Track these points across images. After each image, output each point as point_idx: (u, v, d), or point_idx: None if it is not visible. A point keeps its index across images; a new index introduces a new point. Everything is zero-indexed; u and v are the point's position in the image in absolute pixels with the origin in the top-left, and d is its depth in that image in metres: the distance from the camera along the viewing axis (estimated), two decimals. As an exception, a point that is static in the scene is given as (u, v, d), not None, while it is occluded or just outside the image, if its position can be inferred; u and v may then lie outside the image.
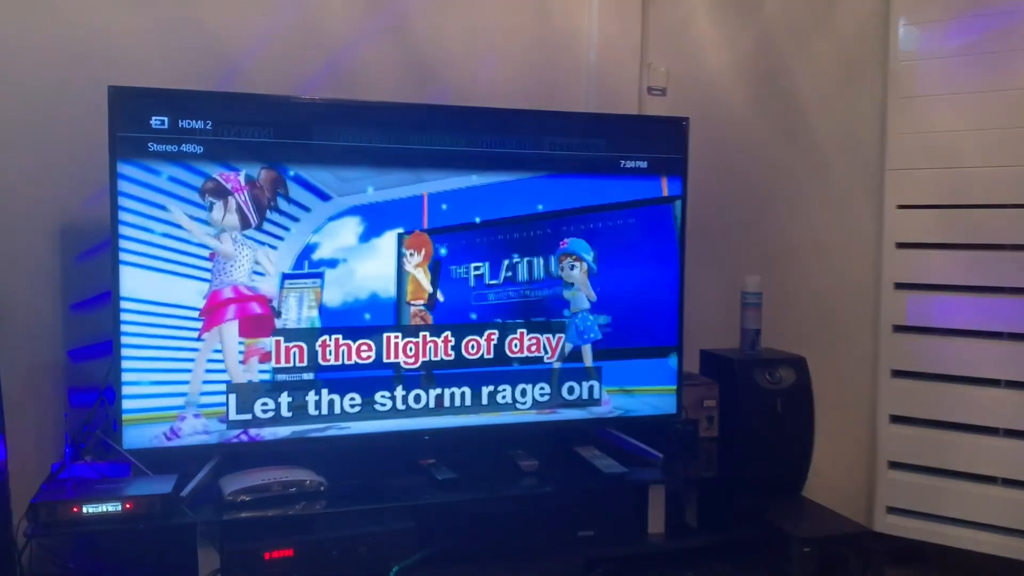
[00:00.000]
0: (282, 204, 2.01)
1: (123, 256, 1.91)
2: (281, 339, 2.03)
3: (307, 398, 2.06)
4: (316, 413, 2.07)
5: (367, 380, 2.11)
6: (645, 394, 2.33)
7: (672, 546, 2.19)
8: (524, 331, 2.23)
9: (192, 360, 1.97)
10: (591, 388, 2.29)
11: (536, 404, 2.25)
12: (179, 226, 1.95)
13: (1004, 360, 2.57)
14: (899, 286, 2.74)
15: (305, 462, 2.05)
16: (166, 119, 1.93)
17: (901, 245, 2.74)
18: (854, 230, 2.89)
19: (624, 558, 2.12)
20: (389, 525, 1.96)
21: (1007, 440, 2.58)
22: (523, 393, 2.24)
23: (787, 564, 2.14)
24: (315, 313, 2.06)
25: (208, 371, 1.99)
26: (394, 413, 2.13)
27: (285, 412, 2.04)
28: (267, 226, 2.01)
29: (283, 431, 2.05)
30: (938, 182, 2.66)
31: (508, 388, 2.22)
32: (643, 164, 2.29)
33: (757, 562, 2.19)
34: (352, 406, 2.10)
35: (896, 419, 2.76)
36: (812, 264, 2.91)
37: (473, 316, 2.19)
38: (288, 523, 1.90)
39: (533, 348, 2.24)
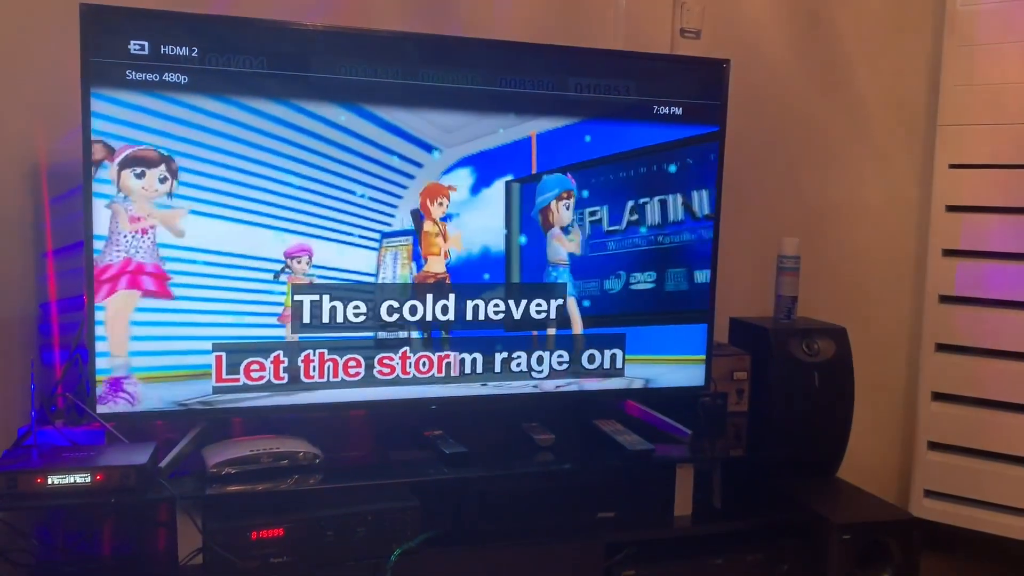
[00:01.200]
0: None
1: (97, 189, 1.69)
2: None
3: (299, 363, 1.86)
4: (313, 379, 1.87)
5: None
6: (670, 364, 2.13)
7: (700, 530, 2.01)
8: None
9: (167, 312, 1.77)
10: (613, 357, 2.09)
11: (553, 372, 2.05)
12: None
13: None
14: (947, 253, 2.53)
15: (299, 432, 1.86)
16: (146, 44, 1.71)
17: (952, 208, 2.52)
18: (899, 191, 2.68)
19: (648, 542, 1.95)
20: (391, 503, 1.77)
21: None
22: (539, 360, 2.04)
23: (824, 552, 1.97)
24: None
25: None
26: (397, 380, 1.94)
27: (279, 376, 1.84)
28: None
29: (275, 397, 1.85)
30: (996, 140, 2.44)
31: (523, 355, 2.02)
32: (678, 111, 2.07)
33: (791, 549, 2.02)
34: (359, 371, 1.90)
35: (938, 396, 2.56)
36: (852, 227, 2.70)
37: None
38: (278, 499, 1.72)
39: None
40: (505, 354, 2.01)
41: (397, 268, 1.91)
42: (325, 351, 1.87)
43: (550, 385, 2.05)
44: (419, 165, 1.91)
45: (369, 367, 1.91)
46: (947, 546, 2.53)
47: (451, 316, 1.95)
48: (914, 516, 2.10)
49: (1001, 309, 2.45)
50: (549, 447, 2.00)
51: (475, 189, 1.95)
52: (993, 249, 2.46)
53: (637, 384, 2.12)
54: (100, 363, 1.73)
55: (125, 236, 1.72)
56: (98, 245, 1.71)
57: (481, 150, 1.95)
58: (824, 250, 2.62)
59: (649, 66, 2.07)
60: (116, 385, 1.74)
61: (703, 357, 2.15)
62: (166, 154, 1.73)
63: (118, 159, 1.70)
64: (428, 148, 1.91)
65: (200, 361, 1.79)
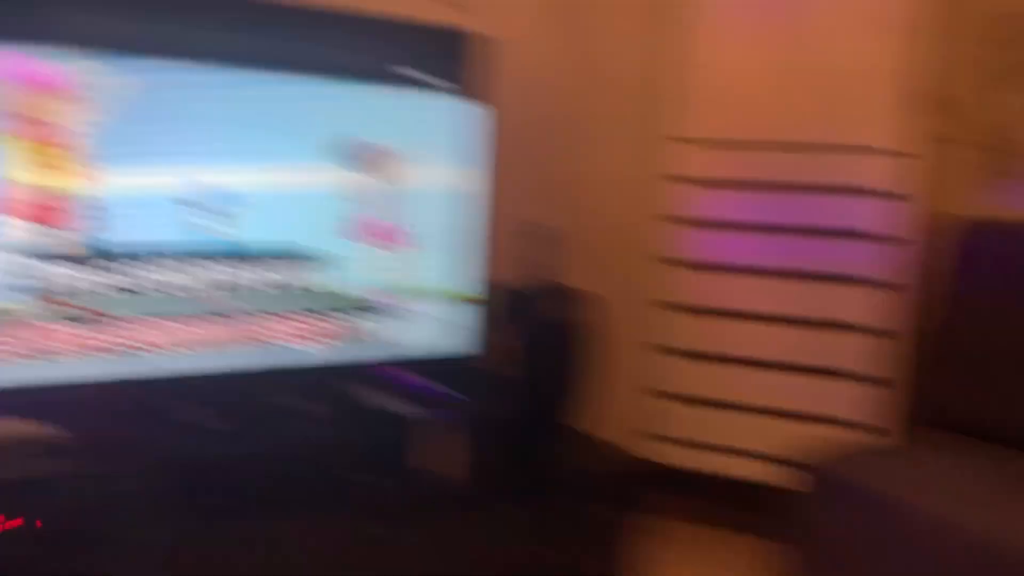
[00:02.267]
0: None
1: None
2: None
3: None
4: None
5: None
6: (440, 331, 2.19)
7: (459, 490, 2.08)
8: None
9: None
10: (381, 326, 2.10)
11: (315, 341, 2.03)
12: None
13: (770, 295, 2.71)
14: (678, 221, 2.79)
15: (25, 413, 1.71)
16: None
17: (682, 180, 2.77)
18: (638, 164, 2.90)
19: (408, 506, 1.98)
20: (137, 486, 1.68)
21: (772, 373, 2.72)
22: (298, 330, 2.00)
23: (570, 500, 2.13)
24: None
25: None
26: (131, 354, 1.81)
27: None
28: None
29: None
30: (721, 118, 2.71)
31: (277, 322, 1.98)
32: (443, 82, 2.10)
33: (541, 502, 2.15)
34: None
35: (669, 351, 2.84)
36: (601, 198, 2.90)
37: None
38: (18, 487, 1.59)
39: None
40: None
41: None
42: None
43: (312, 356, 2.03)
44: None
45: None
46: (681, 488, 2.81)
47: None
48: (649, 460, 2.30)
49: (728, 274, 2.75)
50: (313, 420, 1.97)
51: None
52: (722, 219, 2.74)
53: (406, 353, 2.15)
54: None
55: None
56: None
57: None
58: (578, 220, 2.79)
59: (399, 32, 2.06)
60: None
61: (470, 324, 2.25)
62: None
63: None
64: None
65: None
